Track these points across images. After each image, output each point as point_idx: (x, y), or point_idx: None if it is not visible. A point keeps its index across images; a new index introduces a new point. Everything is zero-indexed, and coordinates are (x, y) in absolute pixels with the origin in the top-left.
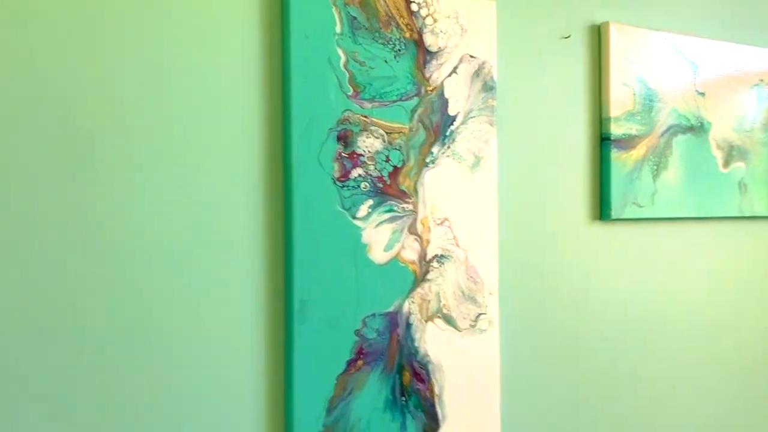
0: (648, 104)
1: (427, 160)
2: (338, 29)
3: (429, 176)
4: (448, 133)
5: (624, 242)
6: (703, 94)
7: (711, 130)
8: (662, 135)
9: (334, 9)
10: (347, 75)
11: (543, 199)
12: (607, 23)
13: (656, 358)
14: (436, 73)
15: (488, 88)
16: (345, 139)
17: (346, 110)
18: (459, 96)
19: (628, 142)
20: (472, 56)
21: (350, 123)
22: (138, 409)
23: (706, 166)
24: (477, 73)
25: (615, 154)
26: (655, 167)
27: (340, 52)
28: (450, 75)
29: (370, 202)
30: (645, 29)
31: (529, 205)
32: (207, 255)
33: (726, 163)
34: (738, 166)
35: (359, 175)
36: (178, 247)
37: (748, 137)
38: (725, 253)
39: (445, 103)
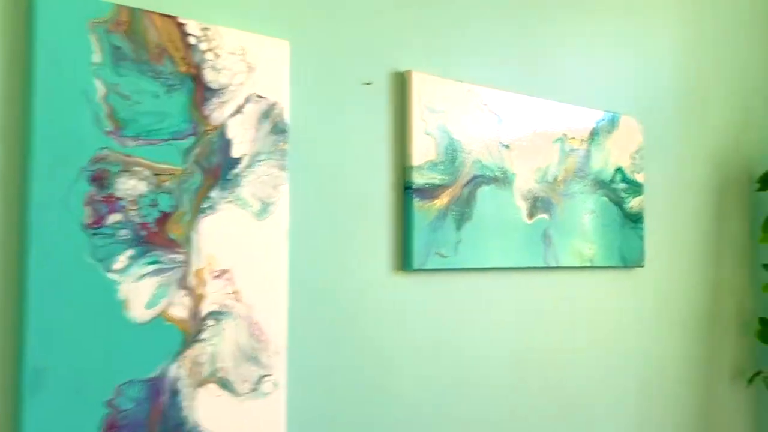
0: (451, 154)
1: (204, 206)
2: (97, 58)
3: (206, 223)
4: (230, 177)
5: (428, 293)
6: (507, 146)
7: (515, 182)
8: (466, 185)
9: (91, 36)
10: (106, 109)
11: (342, 250)
12: (410, 71)
13: (460, 415)
14: (218, 111)
15: (279, 130)
16: (100, 180)
17: (103, 148)
18: (244, 137)
19: (431, 192)
20: (260, 96)
21: (107, 162)
22: None
23: (511, 216)
24: (266, 115)
25: (418, 203)
26: (458, 217)
27: (98, 83)
28: (234, 114)
29: (130, 252)
30: (450, 80)
31: (326, 255)
32: None
33: (530, 214)
34: (542, 217)
35: (117, 222)
36: None
37: (552, 189)
38: (530, 304)
39: (227, 144)
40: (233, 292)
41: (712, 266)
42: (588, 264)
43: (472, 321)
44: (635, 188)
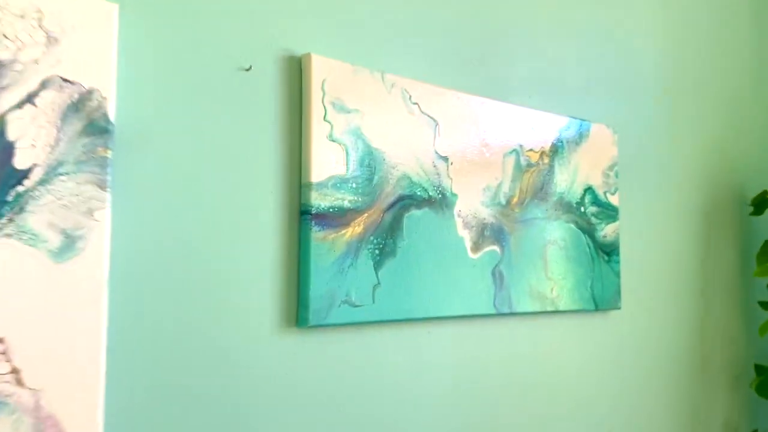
0: (368, 168)
1: None
2: None
3: None
4: (10, 199)
5: (331, 358)
6: (445, 158)
7: (456, 204)
8: (388, 209)
9: None
10: None
11: (200, 302)
12: (308, 55)
13: None
14: None
15: (97, 130)
16: None
17: None
18: (37, 140)
19: (337, 218)
20: (66, 80)
21: None
22: None
23: (450, 249)
24: (75, 107)
25: (317, 234)
26: (377, 252)
27: None
28: (20, 106)
29: None
30: (367, 69)
31: (174, 311)
32: None
33: (476, 247)
34: (491, 249)
35: None
36: None
37: (504, 214)
38: (477, 364)
39: (6, 148)
40: (11, 372)
41: (700, 306)
42: (551, 308)
43: (397, 393)
44: (609, 212)
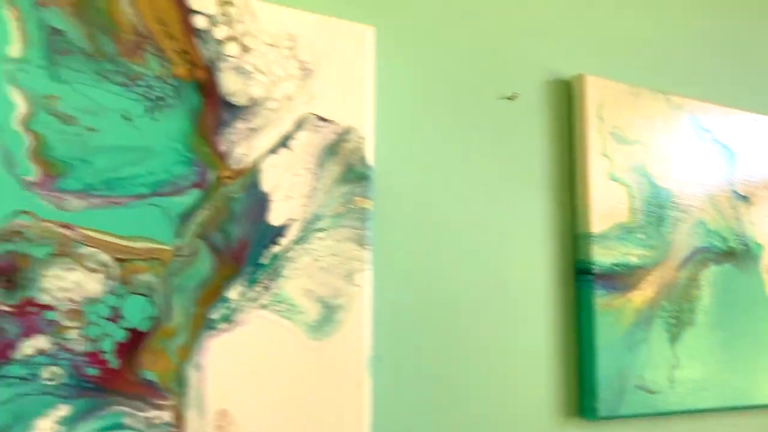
0: (655, 213)
1: (214, 317)
2: (16, 51)
3: (216, 351)
4: (265, 261)
5: None
6: (745, 198)
7: (762, 257)
8: (683, 265)
9: (8, 12)
10: (30, 141)
11: (466, 381)
12: (581, 76)
13: None
14: (244, 145)
15: (355, 177)
16: (9, 273)
17: (20, 213)
18: (293, 190)
19: (624, 278)
20: (322, 119)
21: (27, 240)
22: None
23: (761, 316)
24: (331, 150)
25: (602, 300)
26: (672, 321)
27: (15, 94)
28: (274, 150)
29: (64, 409)
30: (645, 89)
31: (438, 398)
32: None
33: None
34: None
35: (40, 353)
36: None
37: None
38: None
39: (260, 202)
40: None
41: None
42: None
43: None
44: None
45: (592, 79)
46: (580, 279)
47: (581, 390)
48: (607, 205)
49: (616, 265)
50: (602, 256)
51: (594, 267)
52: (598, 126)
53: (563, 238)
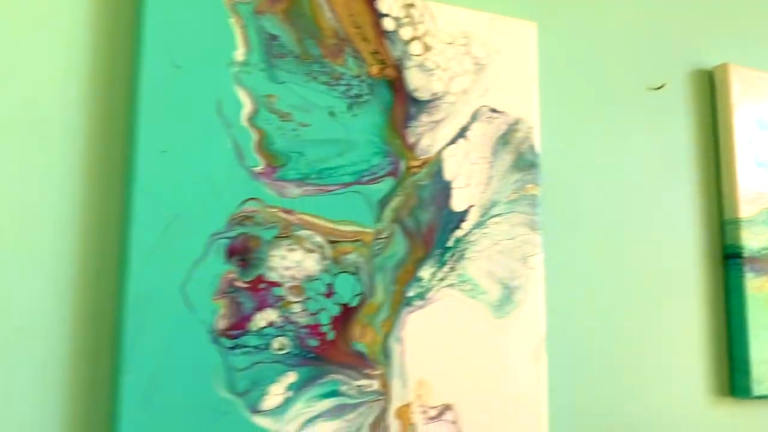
0: None
1: (410, 294)
2: (241, 55)
3: (413, 324)
4: (450, 244)
5: None
6: None
7: None
8: None
9: (233, 20)
10: (255, 136)
11: (628, 359)
12: (724, 66)
13: None
14: (428, 137)
15: (525, 165)
16: (243, 253)
17: (249, 200)
18: (471, 178)
19: None
20: (494, 111)
21: (256, 223)
22: None
23: None
24: (504, 140)
25: (751, 283)
26: None
27: (242, 94)
28: (454, 141)
29: (292, 376)
30: None
31: (602, 373)
32: None
33: None
34: None
35: (270, 324)
36: None
37: None
38: None
39: (444, 189)
40: None
41: None
42: None
43: None
44: None
45: (737, 69)
46: (730, 263)
47: (733, 370)
48: (753, 190)
49: (765, 248)
50: (751, 241)
51: (743, 250)
52: (741, 113)
53: (711, 224)
